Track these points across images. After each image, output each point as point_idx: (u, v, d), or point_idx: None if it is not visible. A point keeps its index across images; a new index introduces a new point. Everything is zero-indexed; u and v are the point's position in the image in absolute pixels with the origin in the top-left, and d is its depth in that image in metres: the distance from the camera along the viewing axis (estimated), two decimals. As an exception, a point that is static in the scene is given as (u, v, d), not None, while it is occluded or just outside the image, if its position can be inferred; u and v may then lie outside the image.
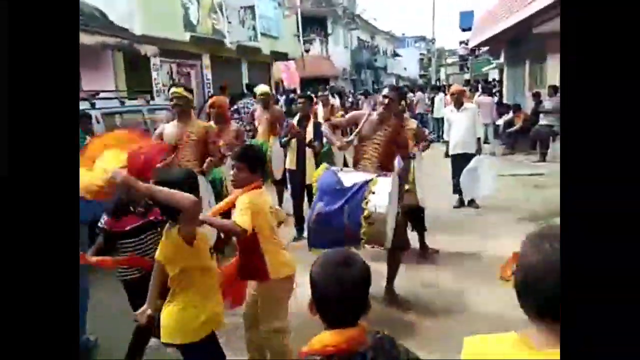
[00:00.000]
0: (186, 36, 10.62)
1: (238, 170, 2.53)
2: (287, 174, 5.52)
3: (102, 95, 6.37)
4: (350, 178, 3.26)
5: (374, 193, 3.10)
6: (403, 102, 4.45)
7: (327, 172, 3.38)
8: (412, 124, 4.59)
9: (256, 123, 5.96)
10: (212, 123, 4.90)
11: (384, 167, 3.55)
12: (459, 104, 6.32)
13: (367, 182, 3.16)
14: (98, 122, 5.45)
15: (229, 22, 12.26)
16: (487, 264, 4.41)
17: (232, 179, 2.59)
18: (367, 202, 3.08)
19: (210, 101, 5.23)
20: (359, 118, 3.73)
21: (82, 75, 8.25)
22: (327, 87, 11.71)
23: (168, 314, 2.18)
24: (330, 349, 1.18)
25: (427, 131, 6.13)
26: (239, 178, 2.54)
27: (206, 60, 12.41)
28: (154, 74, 10.30)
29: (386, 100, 3.61)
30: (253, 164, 2.55)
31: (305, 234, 4.60)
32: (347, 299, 1.22)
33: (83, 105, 5.41)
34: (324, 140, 5.73)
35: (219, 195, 4.22)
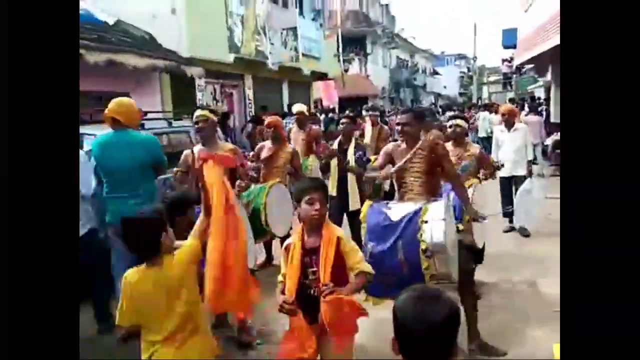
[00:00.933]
0: (230, 57, 10.85)
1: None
2: (329, 201, 5.17)
3: (150, 115, 6.52)
4: (398, 211, 2.99)
5: (426, 222, 2.82)
6: (465, 126, 4.31)
7: (372, 209, 3.11)
8: (474, 148, 4.33)
9: (292, 143, 5.70)
10: (268, 143, 4.94)
11: (431, 193, 3.26)
12: (510, 124, 6.11)
13: (417, 212, 2.89)
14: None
15: (272, 44, 12.45)
16: (543, 300, 4.12)
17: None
18: (421, 234, 2.79)
19: (267, 121, 5.16)
20: (391, 153, 3.47)
21: (132, 96, 8.54)
22: (367, 106, 11.64)
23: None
24: None
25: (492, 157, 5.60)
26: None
27: (248, 81, 12.63)
28: (198, 95, 10.53)
29: (399, 127, 3.35)
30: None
31: None
32: (434, 338, 1.12)
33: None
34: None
35: (257, 231, 3.98)
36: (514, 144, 5.97)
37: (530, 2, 14.64)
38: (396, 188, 3.54)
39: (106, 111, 3.64)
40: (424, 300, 1.17)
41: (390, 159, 3.46)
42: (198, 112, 3.84)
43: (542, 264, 4.86)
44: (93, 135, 5.14)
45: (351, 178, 4.78)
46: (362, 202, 4.53)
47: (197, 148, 3.83)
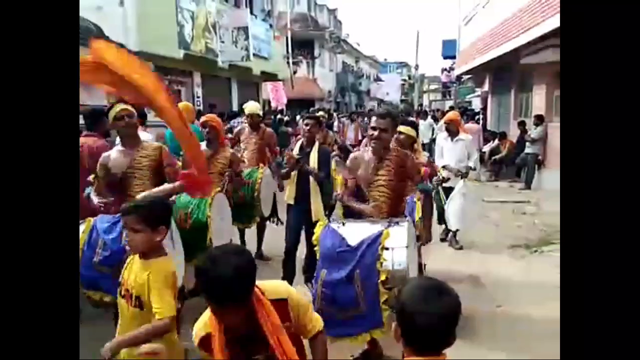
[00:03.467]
0: (180, 53, 10.64)
1: (134, 231, 1.94)
2: (286, 210, 4.54)
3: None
4: (355, 234, 2.66)
5: (387, 249, 2.54)
6: (413, 134, 3.89)
7: (326, 231, 2.77)
8: (423, 156, 4.11)
9: (242, 147, 5.18)
10: (202, 145, 4.08)
11: (396, 210, 3.00)
12: (453, 134, 5.73)
13: (377, 238, 2.58)
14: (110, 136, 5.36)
15: (222, 42, 12.33)
16: (486, 290, 4.49)
17: (129, 243, 2.02)
18: (381, 263, 2.51)
19: (202, 119, 4.43)
20: (355, 167, 3.12)
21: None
22: (314, 109, 11.81)
23: None
24: None
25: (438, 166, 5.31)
26: (137, 242, 1.96)
27: (197, 78, 12.42)
28: (145, 90, 10.24)
29: (375, 133, 2.94)
30: (154, 220, 1.97)
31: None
32: (438, 328, 1.23)
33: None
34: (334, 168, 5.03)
35: (196, 250, 3.11)
36: (456, 155, 5.61)
37: (470, 17, 15.49)
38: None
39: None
40: (430, 292, 1.26)
41: (353, 175, 3.12)
42: (121, 106, 3.23)
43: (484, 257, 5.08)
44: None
45: (313, 185, 4.26)
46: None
47: (116, 149, 3.36)
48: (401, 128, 3.83)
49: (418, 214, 3.43)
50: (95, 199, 3.20)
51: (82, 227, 2.97)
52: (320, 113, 6.70)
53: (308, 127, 4.36)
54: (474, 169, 5.73)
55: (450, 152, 5.70)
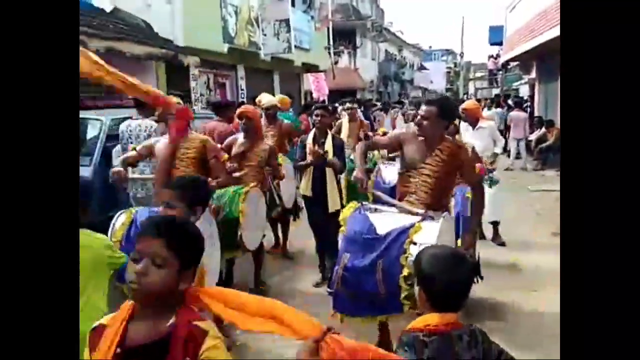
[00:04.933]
0: (224, 47, 10.96)
1: (170, 208, 1.97)
2: (304, 203, 4.60)
3: (149, 103, 6.65)
4: (386, 223, 2.56)
5: (415, 244, 2.39)
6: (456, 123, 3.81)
7: (357, 214, 2.68)
8: (468, 148, 3.90)
9: None
10: (240, 136, 4.20)
11: (437, 203, 2.79)
12: (472, 123, 5.46)
13: (407, 229, 2.46)
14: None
15: (264, 35, 12.58)
16: (525, 275, 4.51)
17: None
18: (406, 257, 2.38)
19: (238, 111, 4.37)
20: (404, 140, 2.95)
21: (128, 83, 8.64)
22: (353, 99, 11.74)
23: None
24: (432, 327, 1.36)
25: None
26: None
27: (241, 71, 12.75)
28: (192, 84, 10.64)
29: (420, 121, 2.82)
30: (192, 199, 2.01)
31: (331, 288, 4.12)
32: (457, 287, 1.40)
33: (132, 112, 5.70)
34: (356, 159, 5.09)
35: (227, 245, 3.21)
36: (480, 143, 5.23)
37: (516, 2, 14.99)
38: (398, 187, 3.04)
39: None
40: (448, 259, 1.44)
41: (397, 146, 2.99)
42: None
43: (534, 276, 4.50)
44: (97, 119, 5.34)
45: (330, 175, 4.22)
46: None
47: (162, 139, 3.45)
48: None
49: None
50: (118, 164, 3.44)
51: (122, 219, 2.94)
52: (347, 105, 6.49)
53: (319, 118, 4.31)
54: (519, 156, 5.50)
55: (473, 141, 5.28)
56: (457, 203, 3.53)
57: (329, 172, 4.20)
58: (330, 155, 4.18)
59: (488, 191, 4.81)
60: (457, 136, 4.07)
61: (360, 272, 2.47)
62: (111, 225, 2.95)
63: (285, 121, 5.55)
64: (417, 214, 2.67)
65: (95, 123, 5.41)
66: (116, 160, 4.62)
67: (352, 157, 4.66)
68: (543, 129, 11.62)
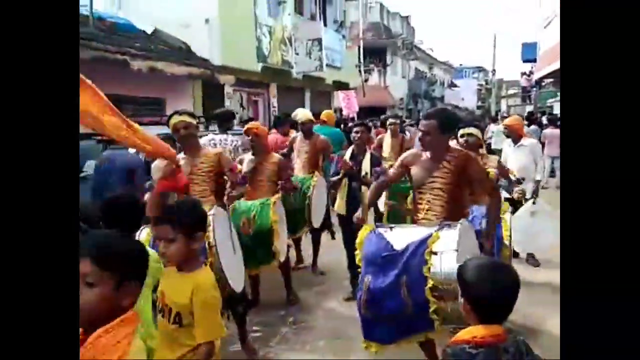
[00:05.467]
0: (258, 66, 11.26)
1: (168, 241, 1.82)
2: (338, 220, 4.48)
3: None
4: (402, 238, 2.46)
5: (435, 254, 2.30)
6: (480, 135, 3.73)
7: (371, 236, 2.60)
8: (492, 161, 3.92)
9: (294, 155, 5.03)
10: (249, 154, 4.18)
11: (453, 216, 2.67)
12: (514, 139, 5.35)
13: (424, 241, 2.36)
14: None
15: (297, 54, 12.85)
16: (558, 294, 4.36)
17: (163, 255, 1.89)
18: (429, 268, 2.28)
19: (245, 127, 4.37)
20: (409, 162, 2.91)
21: (168, 102, 8.97)
22: (387, 114, 11.87)
23: None
24: (478, 340, 1.37)
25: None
26: (173, 252, 1.83)
27: (273, 89, 13.03)
28: (227, 102, 10.94)
29: (422, 137, 2.77)
30: (190, 227, 1.85)
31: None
32: (503, 297, 1.41)
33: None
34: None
35: (260, 259, 3.40)
36: (517, 162, 5.15)
37: (550, 19, 14.85)
38: (413, 208, 2.96)
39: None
40: (494, 268, 1.46)
41: (406, 170, 2.94)
42: (176, 118, 3.29)
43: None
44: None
45: (365, 194, 4.01)
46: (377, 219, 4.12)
47: (179, 156, 3.35)
48: (465, 130, 3.74)
49: (506, 230, 3.20)
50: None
51: (144, 234, 2.89)
52: (390, 120, 6.55)
53: (359, 134, 4.23)
54: (553, 174, 5.22)
55: (511, 160, 5.26)
56: (476, 219, 3.35)
57: (364, 190, 4.07)
58: (367, 170, 4.07)
59: (523, 221, 4.64)
60: (480, 149, 3.91)
61: (383, 292, 2.39)
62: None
63: (321, 137, 5.45)
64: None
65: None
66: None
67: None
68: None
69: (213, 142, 4.82)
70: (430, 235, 2.37)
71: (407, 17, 31.41)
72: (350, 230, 4.05)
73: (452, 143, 3.12)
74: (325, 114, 6.76)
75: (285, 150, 5.23)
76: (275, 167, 4.13)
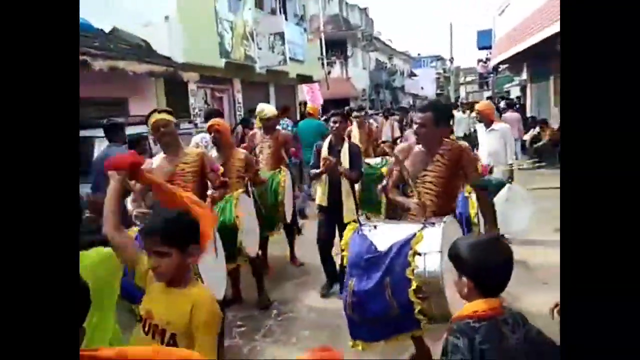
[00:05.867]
0: (221, 62, 11.12)
1: (159, 255, 1.63)
2: (318, 212, 4.44)
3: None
4: (385, 238, 2.45)
5: (419, 254, 2.30)
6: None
7: (356, 236, 2.56)
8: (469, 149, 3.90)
9: (257, 152, 4.92)
10: (213, 151, 4.15)
11: (444, 209, 2.71)
12: (487, 124, 5.48)
13: (408, 241, 2.36)
14: (155, 144, 5.84)
15: (259, 48, 12.77)
16: (532, 271, 4.62)
17: (154, 270, 1.67)
18: (412, 270, 2.28)
19: (207, 124, 4.30)
20: (404, 156, 2.90)
21: (131, 102, 8.75)
22: (349, 107, 12.03)
23: None
24: (480, 313, 1.44)
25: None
26: (165, 267, 1.64)
27: (237, 85, 12.91)
28: (191, 99, 10.77)
29: (417, 129, 2.78)
30: (184, 239, 1.67)
31: (337, 288, 4.11)
32: (502, 270, 1.48)
33: (140, 129, 5.82)
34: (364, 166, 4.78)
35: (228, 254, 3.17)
36: (489, 146, 5.31)
37: (504, 6, 15.32)
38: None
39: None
40: (491, 243, 1.52)
41: (401, 167, 2.88)
42: (155, 116, 3.17)
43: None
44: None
45: (345, 185, 4.10)
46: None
47: (158, 157, 3.32)
48: None
49: (473, 209, 3.28)
50: (130, 207, 3.01)
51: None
52: (355, 113, 6.72)
53: (337, 125, 4.15)
54: (512, 164, 5.32)
55: (485, 145, 5.43)
56: (458, 204, 3.36)
57: (344, 181, 4.07)
58: (347, 163, 4.04)
59: (498, 204, 4.57)
60: (452, 136, 3.92)
61: (368, 295, 2.37)
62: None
63: (283, 131, 5.49)
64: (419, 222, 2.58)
65: (104, 141, 5.50)
66: None
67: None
68: (537, 129, 11.83)
69: (205, 140, 4.74)
70: (414, 236, 2.37)
71: (365, 8, 31.64)
72: (329, 224, 4.17)
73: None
74: (310, 107, 7.21)
75: (243, 147, 5.06)
76: (242, 162, 4.08)
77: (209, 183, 3.37)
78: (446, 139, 2.84)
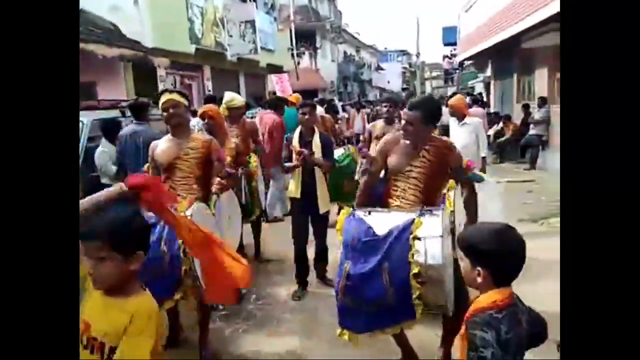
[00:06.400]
0: (191, 48, 10.95)
1: (99, 260, 1.43)
2: (290, 205, 4.36)
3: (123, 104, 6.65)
4: (384, 223, 2.42)
5: (419, 239, 2.29)
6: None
7: (351, 219, 2.52)
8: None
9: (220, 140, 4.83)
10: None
11: (426, 205, 2.62)
12: (459, 117, 5.53)
13: (408, 226, 2.34)
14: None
15: (230, 36, 12.64)
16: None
17: (92, 276, 1.46)
18: (412, 254, 2.26)
19: (200, 110, 4.20)
20: (389, 149, 2.82)
21: (99, 85, 8.52)
22: (318, 99, 12.11)
23: None
24: (500, 303, 1.43)
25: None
26: (104, 273, 1.45)
27: (207, 72, 12.75)
28: (160, 85, 10.58)
29: (405, 126, 2.71)
30: (126, 245, 1.47)
31: (309, 288, 4.04)
32: (517, 258, 1.48)
33: (114, 114, 5.71)
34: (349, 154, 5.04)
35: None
36: (461, 139, 5.23)
37: (470, 3, 15.72)
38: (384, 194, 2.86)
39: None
40: (507, 231, 1.49)
41: (385, 157, 2.81)
42: (167, 96, 3.08)
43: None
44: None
45: (319, 176, 4.03)
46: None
47: (166, 138, 3.21)
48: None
49: (450, 206, 3.07)
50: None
51: None
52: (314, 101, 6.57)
53: (306, 116, 4.04)
54: (484, 157, 5.41)
55: (456, 139, 5.36)
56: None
57: (317, 172, 4.01)
58: (319, 153, 3.99)
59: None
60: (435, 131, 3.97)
61: (364, 278, 2.31)
62: None
63: (249, 120, 5.35)
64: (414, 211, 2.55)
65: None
66: (98, 160, 4.68)
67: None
68: (501, 124, 12.28)
69: (200, 125, 4.63)
70: (412, 221, 2.34)
71: (333, 0, 31.66)
72: (303, 216, 4.05)
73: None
74: (293, 96, 7.32)
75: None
76: (233, 152, 4.00)
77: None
78: (435, 136, 2.83)
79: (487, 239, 1.47)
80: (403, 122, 2.75)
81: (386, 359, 2.94)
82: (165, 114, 3.09)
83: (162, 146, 3.17)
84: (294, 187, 4.10)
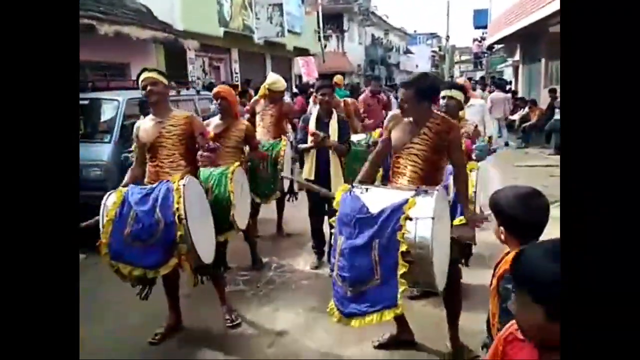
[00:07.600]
0: (220, 31, 11.25)
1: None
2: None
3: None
4: (378, 201, 2.46)
5: (411, 219, 2.32)
6: (461, 98, 3.51)
7: (347, 196, 2.56)
8: (469, 126, 3.74)
9: (257, 120, 4.84)
10: (216, 118, 4.12)
11: (428, 183, 2.66)
12: (465, 100, 5.39)
13: (401, 205, 2.37)
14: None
15: (258, 19, 12.87)
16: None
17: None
18: (403, 233, 2.30)
19: (214, 91, 4.26)
20: (392, 127, 2.88)
21: (132, 66, 8.92)
22: (319, 83, 12.00)
23: None
24: None
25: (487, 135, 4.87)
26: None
27: (235, 55, 13.05)
28: (189, 67, 10.93)
29: (401, 104, 2.78)
30: None
31: (326, 258, 4.22)
32: (535, 221, 1.56)
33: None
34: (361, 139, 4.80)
35: (220, 227, 3.27)
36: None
37: (501, -15, 15.43)
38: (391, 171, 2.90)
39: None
40: (528, 195, 1.57)
41: (389, 135, 2.87)
42: (145, 74, 3.14)
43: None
44: (114, 99, 5.69)
45: (333, 158, 4.04)
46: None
47: (148, 117, 3.24)
48: (445, 92, 3.44)
49: (472, 187, 3.06)
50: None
51: (113, 198, 2.86)
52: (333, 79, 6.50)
53: (325, 97, 4.04)
54: (499, 135, 5.40)
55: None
56: (447, 177, 3.26)
57: (332, 154, 4.02)
58: (335, 137, 4.00)
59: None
60: (461, 112, 3.73)
61: (355, 253, 2.39)
62: (102, 204, 2.86)
63: (286, 101, 5.37)
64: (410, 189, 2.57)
65: (111, 103, 5.74)
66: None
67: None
68: (526, 109, 12.19)
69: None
70: (406, 201, 2.37)
71: (362, -18, 31.35)
72: (317, 196, 3.97)
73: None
74: (337, 78, 7.74)
75: (247, 115, 5.02)
76: (242, 133, 4.06)
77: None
78: (438, 113, 2.85)
79: (509, 203, 1.58)
80: (400, 100, 2.84)
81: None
82: (144, 92, 3.15)
83: (144, 126, 3.23)
84: (307, 168, 4.16)
